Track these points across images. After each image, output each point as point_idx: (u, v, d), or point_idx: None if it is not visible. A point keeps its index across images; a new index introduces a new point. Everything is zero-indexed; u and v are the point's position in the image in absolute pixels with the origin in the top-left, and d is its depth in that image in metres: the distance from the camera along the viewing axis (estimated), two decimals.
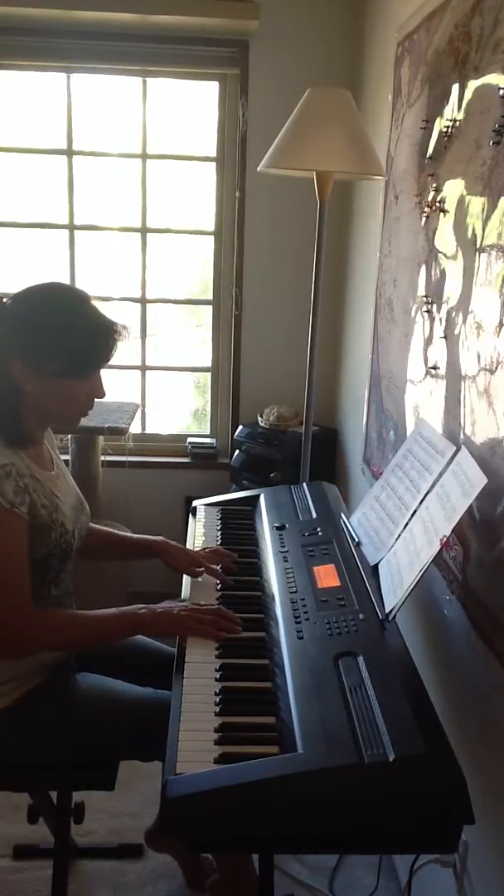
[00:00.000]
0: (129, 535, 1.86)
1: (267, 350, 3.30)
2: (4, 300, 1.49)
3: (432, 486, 1.53)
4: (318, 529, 1.80)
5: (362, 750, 1.09)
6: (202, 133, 3.21)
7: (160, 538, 1.81)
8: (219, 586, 1.69)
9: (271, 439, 3.11)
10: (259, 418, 3.23)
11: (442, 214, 1.74)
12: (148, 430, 3.51)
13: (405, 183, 2.09)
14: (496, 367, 1.40)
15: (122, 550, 1.86)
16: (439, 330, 1.74)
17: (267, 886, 1.60)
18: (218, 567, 1.74)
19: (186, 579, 1.73)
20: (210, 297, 3.38)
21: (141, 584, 3.03)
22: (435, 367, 1.77)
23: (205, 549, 1.82)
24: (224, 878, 1.84)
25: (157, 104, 3.18)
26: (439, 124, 1.79)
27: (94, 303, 1.51)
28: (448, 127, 1.71)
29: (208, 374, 3.49)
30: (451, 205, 1.69)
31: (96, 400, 1.55)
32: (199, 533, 1.95)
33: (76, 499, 1.64)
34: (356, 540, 1.71)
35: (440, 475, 1.52)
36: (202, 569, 1.72)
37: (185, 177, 3.27)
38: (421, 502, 1.54)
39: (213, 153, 3.21)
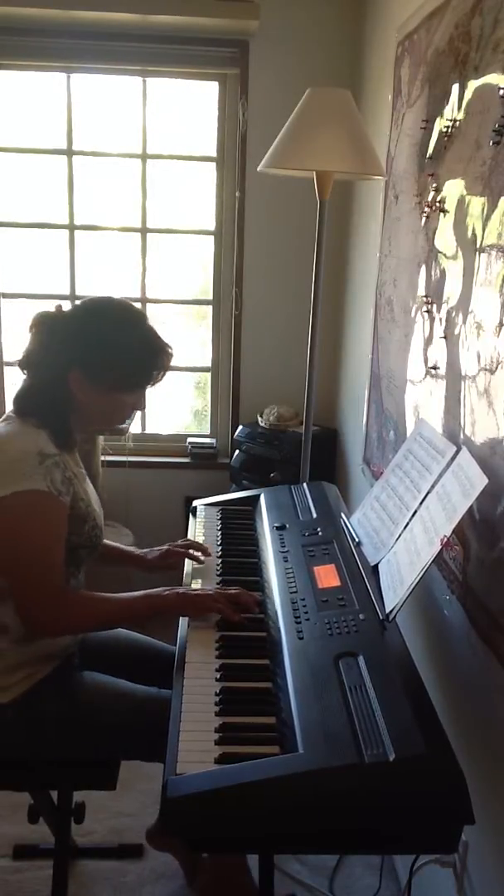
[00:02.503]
0: (113, 544, 1.89)
1: (267, 350, 3.30)
2: (63, 308, 1.56)
3: (433, 486, 1.53)
4: (319, 529, 1.80)
5: (363, 750, 1.09)
6: (202, 133, 3.21)
7: (139, 552, 1.88)
8: (218, 572, 1.74)
9: (271, 439, 3.11)
10: (259, 418, 3.23)
11: (442, 214, 1.74)
12: (148, 430, 3.51)
13: (405, 183, 2.09)
14: (496, 367, 1.40)
15: (107, 558, 1.85)
16: (439, 330, 1.74)
17: (267, 886, 1.60)
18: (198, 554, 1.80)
19: (188, 566, 1.78)
20: (210, 297, 3.38)
21: (143, 583, 3.02)
22: (435, 367, 1.77)
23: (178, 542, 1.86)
24: (214, 880, 1.83)
25: (157, 104, 3.17)
26: (439, 124, 1.79)
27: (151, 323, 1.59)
28: (448, 127, 1.71)
29: (208, 374, 3.49)
30: (451, 205, 1.69)
31: None
32: (199, 533, 1.95)
33: (96, 497, 1.70)
34: (356, 540, 1.71)
35: (440, 475, 1.52)
36: (174, 560, 1.80)
37: (185, 177, 3.27)
38: (421, 502, 1.54)
39: (213, 153, 3.21)
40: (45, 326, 1.54)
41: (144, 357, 1.54)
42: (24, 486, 1.43)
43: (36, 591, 1.47)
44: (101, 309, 1.57)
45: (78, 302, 1.61)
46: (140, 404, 1.61)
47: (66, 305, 1.59)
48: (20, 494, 1.43)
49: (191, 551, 1.80)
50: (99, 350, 1.51)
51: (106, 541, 1.86)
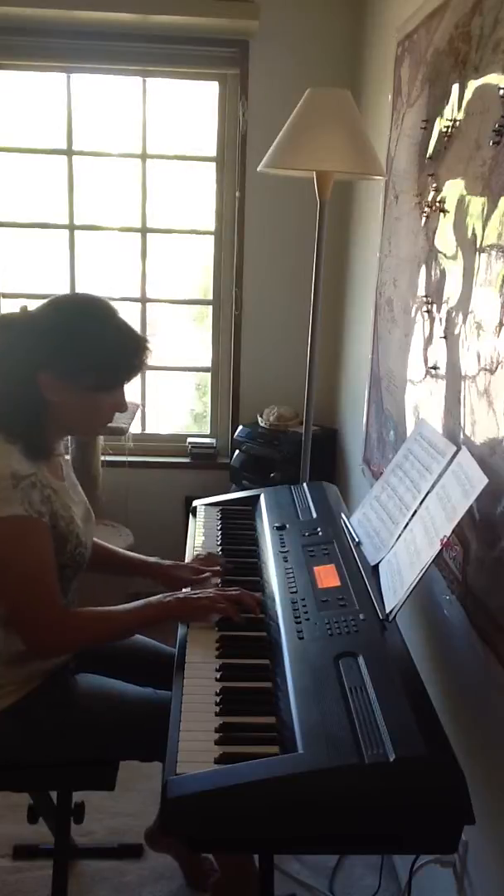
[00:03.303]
0: (129, 554, 1.85)
1: (267, 350, 3.30)
2: (28, 308, 1.49)
3: (433, 487, 1.53)
4: (319, 529, 1.80)
5: (363, 750, 1.09)
6: (202, 133, 3.21)
7: (154, 560, 1.80)
8: (218, 582, 1.71)
9: (271, 439, 3.11)
10: (259, 418, 3.23)
11: (442, 214, 1.74)
12: (148, 430, 3.51)
13: (405, 183, 2.09)
14: (496, 367, 1.40)
15: (122, 569, 1.83)
16: (439, 330, 1.74)
17: (267, 886, 1.60)
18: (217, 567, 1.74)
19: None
20: (210, 297, 3.38)
21: (140, 585, 3.02)
22: (435, 367, 1.77)
23: (197, 556, 1.81)
24: (225, 879, 1.84)
25: (157, 104, 3.18)
26: (439, 124, 1.79)
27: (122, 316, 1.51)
28: (448, 127, 1.71)
29: (208, 374, 3.49)
30: (451, 205, 1.69)
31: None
32: (199, 533, 1.95)
33: (85, 509, 1.64)
34: (356, 540, 1.71)
35: (440, 475, 1.52)
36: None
37: (185, 177, 3.27)
38: (421, 502, 1.54)
39: (213, 153, 3.21)
40: (8, 328, 1.46)
41: (121, 351, 1.47)
42: (2, 512, 1.38)
43: (36, 615, 1.44)
44: (70, 305, 1.51)
45: (43, 301, 1.51)
46: (121, 404, 1.53)
47: (32, 306, 1.51)
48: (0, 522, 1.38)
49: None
50: (72, 348, 1.44)
51: (114, 547, 1.83)
